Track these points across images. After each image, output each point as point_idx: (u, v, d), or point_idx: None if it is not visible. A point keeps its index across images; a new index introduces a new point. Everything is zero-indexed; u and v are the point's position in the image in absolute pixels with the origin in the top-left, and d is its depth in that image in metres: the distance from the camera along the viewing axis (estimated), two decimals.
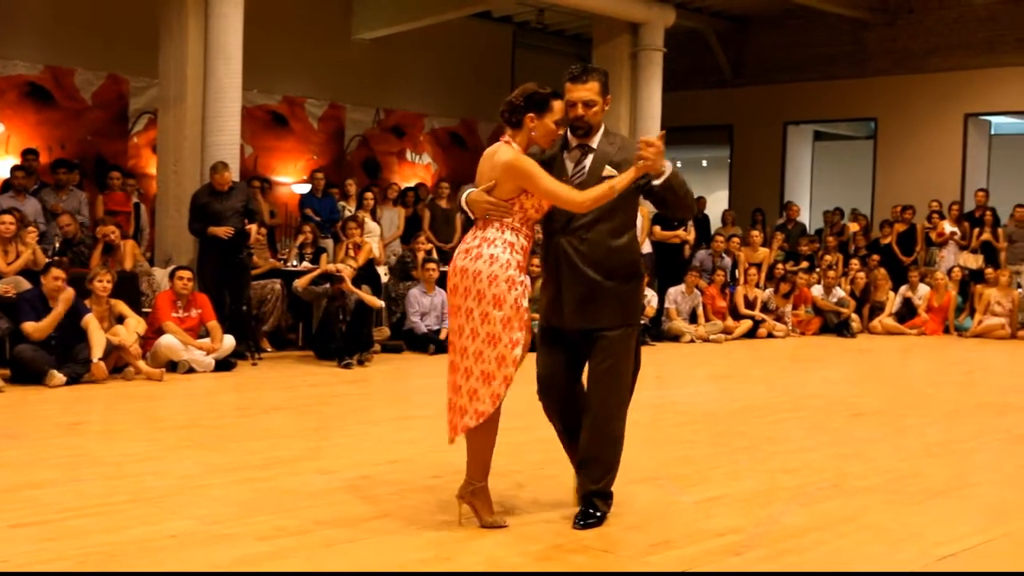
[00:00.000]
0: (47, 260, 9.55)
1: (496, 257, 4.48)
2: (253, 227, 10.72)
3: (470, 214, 4.65)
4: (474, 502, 4.61)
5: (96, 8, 13.90)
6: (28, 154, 12.28)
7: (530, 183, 4.47)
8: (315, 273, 10.95)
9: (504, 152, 4.54)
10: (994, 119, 18.94)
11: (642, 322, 13.77)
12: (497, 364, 4.47)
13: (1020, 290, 15.52)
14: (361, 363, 10.34)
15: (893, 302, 15.73)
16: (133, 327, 9.19)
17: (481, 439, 4.59)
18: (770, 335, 14.50)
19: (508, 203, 4.51)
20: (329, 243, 12.86)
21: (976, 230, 16.34)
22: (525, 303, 4.52)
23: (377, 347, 11.11)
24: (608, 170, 4.60)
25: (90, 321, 8.84)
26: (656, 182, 4.50)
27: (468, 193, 4.62)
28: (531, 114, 4.56)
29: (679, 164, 24.06)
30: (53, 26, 13.73)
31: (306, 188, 14.54)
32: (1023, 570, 4.32)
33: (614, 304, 4.61)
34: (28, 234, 10.04)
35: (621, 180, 4.46)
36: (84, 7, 13.85)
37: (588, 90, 4.59)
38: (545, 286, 4.79)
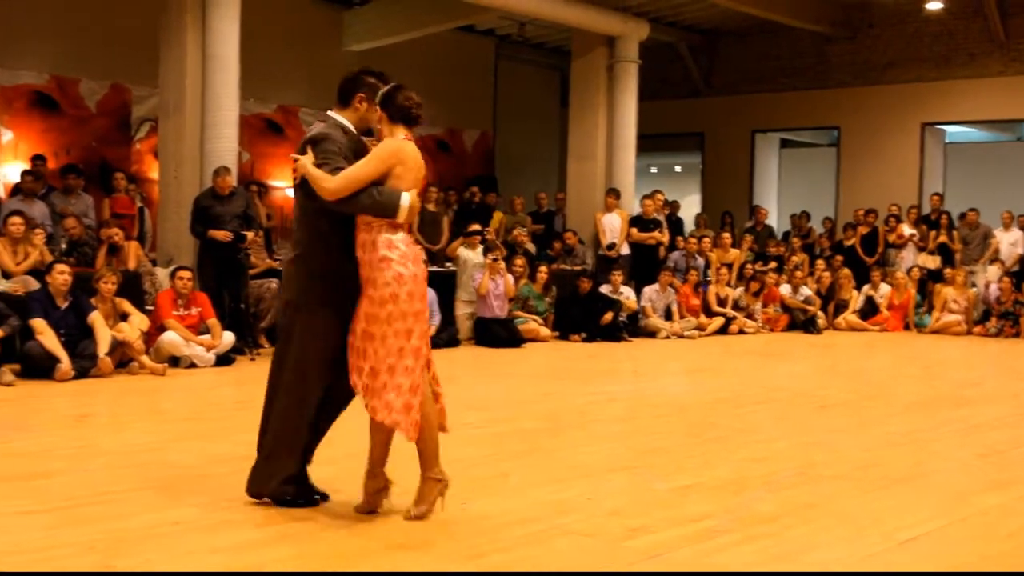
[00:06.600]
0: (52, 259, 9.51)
1: None
2: (250, 233, 10.68)
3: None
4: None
5: (100, 20, 13.81)
6: (36, 160, 12.23)
7: None
8: None
9: None
10: (948, 128, 19.05)
11: (621, 319, 13.57)
12: None
13: (975, 288, 15.62)
14: None
15: (856, 300, 15.80)
16: (137, 324, 9.15)
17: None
18: (741, 331, 14.53)
19: None
20: None
21: (933, 232, 16.43)
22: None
23: None
24: None
25: (96, 318, 8.81)
26: None
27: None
28: None
29: (653, 169, 24.24)
30: (58, 38, 13.64)
31: None
32: (977, 554, 4.36)
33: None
34: (35, 235, 9.99)
35: None
36: (88, 19, 13.77)
37: None
38: None
